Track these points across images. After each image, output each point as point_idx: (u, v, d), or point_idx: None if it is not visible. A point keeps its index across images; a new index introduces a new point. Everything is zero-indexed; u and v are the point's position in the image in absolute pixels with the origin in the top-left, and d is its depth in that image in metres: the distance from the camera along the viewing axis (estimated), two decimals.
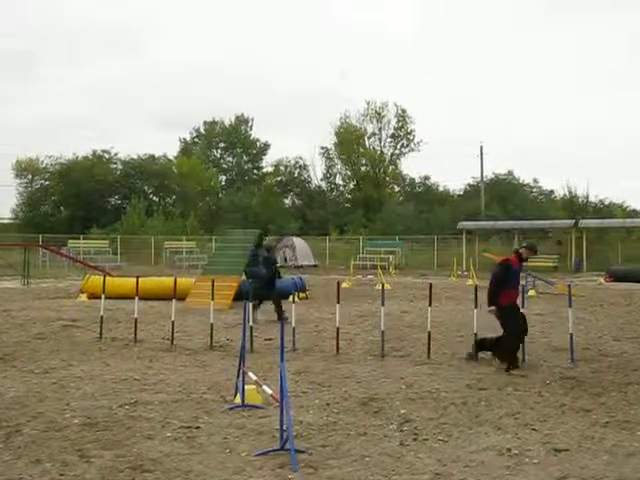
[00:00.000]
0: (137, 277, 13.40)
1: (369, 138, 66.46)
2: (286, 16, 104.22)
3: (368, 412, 7.30)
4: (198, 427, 6.67)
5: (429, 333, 10.81)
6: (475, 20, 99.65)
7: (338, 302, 11.21)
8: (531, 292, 20.61)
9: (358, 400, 7.79)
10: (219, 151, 74.43)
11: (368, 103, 65.48)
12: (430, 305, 10.90)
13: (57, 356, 10.73)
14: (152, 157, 64.84)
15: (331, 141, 66.97)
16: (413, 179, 67.88)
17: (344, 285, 23.01)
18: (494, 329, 9.98)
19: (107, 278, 15.56)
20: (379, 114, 65.53)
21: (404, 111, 65.24)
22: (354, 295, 21.46)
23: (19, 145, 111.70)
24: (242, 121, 73.72)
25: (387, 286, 21.15)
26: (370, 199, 62.93)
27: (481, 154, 57.88)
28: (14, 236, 49.35)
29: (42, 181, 63.63)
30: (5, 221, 62.96)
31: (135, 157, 63.49)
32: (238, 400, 7.51)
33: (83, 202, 57.36)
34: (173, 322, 12.18)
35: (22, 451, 5.92)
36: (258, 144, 74.02)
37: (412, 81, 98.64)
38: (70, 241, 42.74)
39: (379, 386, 8.58)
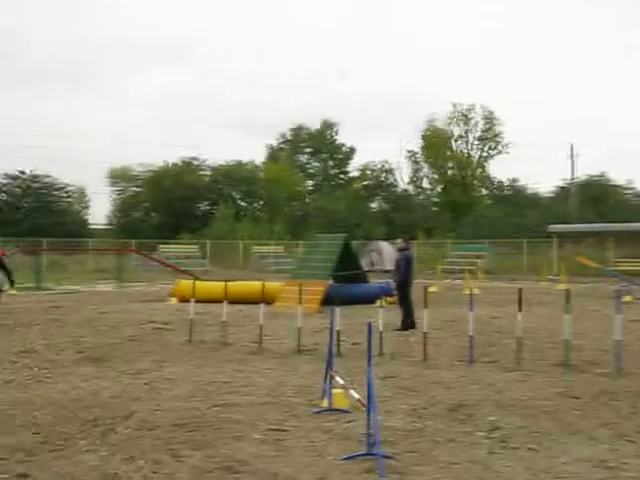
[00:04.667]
0: (226, 281, 13.63)
1: (456, 141, 65.78)
2: (371, 20, 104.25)
3: (456, 418, 7.20)
4: (285, 430, 6.72)
5: (519, 339, 10.59)
6: (563, 18, 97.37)
7: (425, 307, 11.11)
8: (627, 297, 19.93)
9: (446, 406, 7.70)
10: (305, 156, 74.95)
11: (455, 105, 64.84)
12: (520, 310, 10.67)
13: (149, 358, 11.00)
14: (240, 163, 65.84)
15: (417, 144, 66.62)
16: (501, 182, 66.76)
17: (431, 290, 22.77)
18: (585, 335, 9.71)
19: (196, 282, 15.86)
20: (466, 116, 64.79)
21: (491, 113, 64.38)
22: (441, 300, 21.25)
23: (111, 153, 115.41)
24: (328, 126, 74.06)
25: (475, 291, 20.85)
26: (457, 203, 62.21)
27: (572, 155, 56.52)
28: (108, 241, 51.04)
29: (134, 188, 65.55)
30: (100, 227, 65.19)
31: (223, 163, 64.66)
32: (325, 404, 7.53)
33: (173, 208, 58.72)
34: (261, 326, 12.31)
35: (117, 448, 6.10)
36: (344, 149, 74.18)
37: (499, 82, 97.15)
38: (161, 246, 43.87)
39: (467, 392, 8.46)
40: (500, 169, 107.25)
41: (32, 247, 35.64)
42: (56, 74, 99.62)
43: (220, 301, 13.58)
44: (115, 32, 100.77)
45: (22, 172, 57.38)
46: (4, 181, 57.36)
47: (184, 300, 18.82)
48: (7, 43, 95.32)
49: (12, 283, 17.11)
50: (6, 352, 11.40)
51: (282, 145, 75.22)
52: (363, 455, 5.81)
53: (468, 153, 65.68)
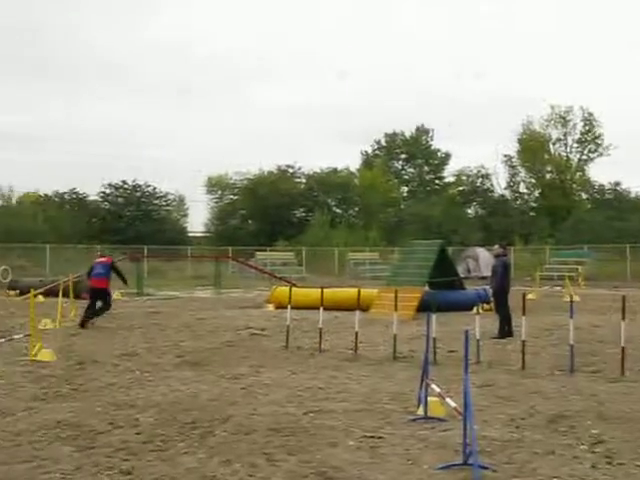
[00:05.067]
0: (321, 288, 13.69)
1: (554, 144, 64.03)
2: (470, 20, 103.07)
3: (556, 430, 6.99)
4: (381, 437, 6.69)
5: (623, 348, 10.21)
6: None
7: (524, 314, 10.86)
8: None
9: (545, 417, 7.48)
10: (400, 162, 74.65)
11: (552, 107, 63.13)
12: (623, 319, 10.29)
13: (246, 363, 11.17)
14: (334, 170, 66.16)
15: (514, 148, 65.28)
16: (602, 185, 64.41)
17: (529, 297, 22.28)
18: None
19: (293, 289, 16.01)
20: (564, 118, 63.00)
21: (591, 114, 62.29)
22: (540, 307, 20.75)
23: (209, 162, 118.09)
24: (422, 132, 73.52)
25: (576, 298, 20.26)
26: (556, 207, 60.54)
27: None
28: (206, 248, 52.18)
29: (231, 196, 66.84)
30: (198, 234, 66.77)
31: (318, 170, 65.14)
32: (421, 412, 7.46)
33: (269, 215, 59.54)
34: (357, 332, 12.31)
35: (214, 451, 6.22)
36: (439, 154, 73.51)
37: (599, 82, 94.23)
38: (257, 253, 44.50)
39: (568, 403, 8.20)
40: (601, 172, 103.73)
41: (137, 254, 36.81)
42: (159, 86, 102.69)
43: (316, 308, 13.66)
44: (215, 46, 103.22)
45: (124, 182, 59.45)
46: (107, 191, 59.58)
47: (280, 306, 19.05)
48: (120, 60, 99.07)
49: (125, 282, 18.05)
50: (109, 355, 11.81)
51: (377, 152, 75.15)
52: (459, 465, 5.72)
53: (567, 156, 63.85)
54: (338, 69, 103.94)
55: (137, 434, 6.76)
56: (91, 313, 16.26)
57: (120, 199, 59.50)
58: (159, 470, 5.69)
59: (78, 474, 5.60)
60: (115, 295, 26.32)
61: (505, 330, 14.20)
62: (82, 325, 15.86)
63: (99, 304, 16.53)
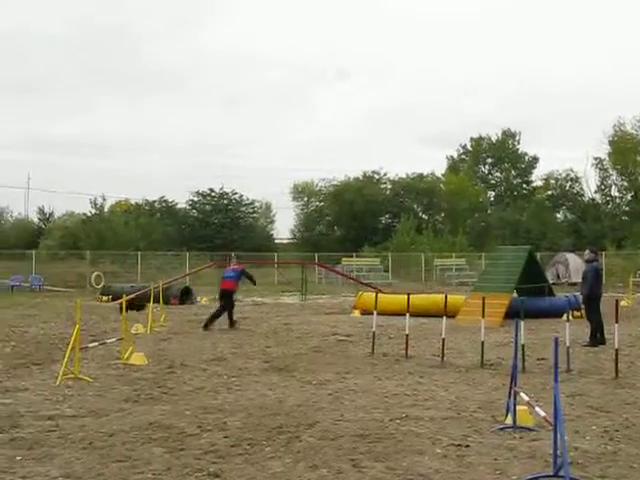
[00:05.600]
0: (408, 294, 13.62)
1: None
2: (554, 19, 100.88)
3: None
4: (468, 446, 6.60)
5: None
6: None
7: (616, 322, 10.52)
8: None
9: None
10: (487, 167, 73.61)
11: None
12: None
13: (332, 369, 11.20)
14: (420, 175, 65.78)
15: (605, 151, 63.40)
16: None
17: (623, 303, 21.60)
18: None
19: (379, 295, 15.98)
20: None
21: None
22: (634, 314, 20.08)
23: (296, 169, 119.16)
24: (509, 135, 72.30)
25: None
26: None
27: None
28: (293, 255, 52.61)
29: (317, 202, 67.29)
30: (285, 241, 67.51)
31: (404, 176, 64.89)
32: (509, 420, 7.32)
33: (355, 221, 59.69)
34: (443, 339, 12.19)
35: (301, 456, 6.26)
36: (527, 158, 72.11)
37: None
38: (344, 259, 44.60)
39: None
40: None
41: (224, 261, 37.45)
42: (241, 97, 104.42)
43: (402, 314, 13.59)
44: (291, 53, 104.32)
45: (212, 190, 60.66)
46: (196, 199, 60.89)
47: (366, 312, 19.03)
48: (209, 69, 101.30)
49: (254, 283, 19.14)
50: (198, 360, 12.04)
51: (463, 156, 74.35)
52: (549, 477, 5.57)
53: None
54: (420, 73, 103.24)
55: (225, 437, 6.87)
56: (215, 315, 17.38)
57: (208, 207, 60.73)
58: (246, 473, 5.76)
59: (168, 475, 5.73)
60: (202, 301, 26.97)
61: (597, 338, 13.78)
62: (205, 326, 16.88)
63: (222, 304, 17.58)
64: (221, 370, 11.05)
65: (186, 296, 26.52)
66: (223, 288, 17.78)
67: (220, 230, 57.02)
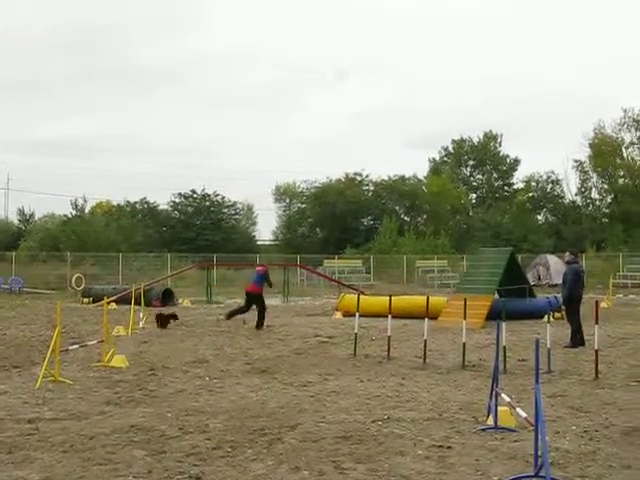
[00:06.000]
0: (390, 296, 13.64)
1: (627, 148, 62.41)
2: (534, 21, 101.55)
3: (632, 443, 6.76)
4: (449, 447, 6.61)
5: None
6: None
7: (596, 323, 10.59)
8: None
9: (621, 429, 7.27)
10: (468, 169, 73.91)
11: (625, 111, 61.53)
12: None
13: (314, 370, 11.20)
14: (402, 177, 65.95)
15: (585, 153, 63.83)
16: None
17: (603, 305, 21.78)
18: None
19: (361, 296, 16.00)
20: (638, 122, 61.25)
21: None
22: (614, 316, 20.23)
23: (277, 171, 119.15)
24: (490, 137, 72.61)
25: None
26: (630, 213, 58.94)
27: None
28: (274, 256, 52.57)
29: (299, 204, 67.30)
30: (267, 243, 67.45)
31: (386, 178, 65.00)
32: (490, 421, 7.35)
33: (337, 223, 59.72)
34: (425, 340, 12.22)
35: (283, 458, 6.25)
36: (508, 160, 72.46)
37: None
38: (325, 261, 44.62)
39: None
40: None
41: (206, 262, 37.40)
42: (225, 97, 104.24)
43: (384, 315, 13.62)
44: (279, 55, 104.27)
45: (194, 191, 60.49)
46: (178, 200, 60.70)
47: (348, 314, 19.06)
48: (192, 70, 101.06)
49: (270, 285, 19.25)
50: (179, 362, 12.00)
51: (445, 158, 74.60)
52: (530, 477, 5.60)
53: None
54: (402, 74, 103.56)
55: (207, 440, 6.84)
56: (238, 311, 18.52)
57: (190, 208, 60.56)
58: (228, 476, 5.75)
59: (149, 477, 5.70)
60: (184, 302, 26.90)
61: (577, 339, 13.86)
62: (257, 327, 17.54)
63: (257, 308, 17.99)
64: (202, 372, 11.02)
65: (168, 298, 26.42)
66: (246, 291, 18.51)
67: (202, 232, 56.87)
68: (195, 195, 60.60)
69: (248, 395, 9.17)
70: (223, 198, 61.62)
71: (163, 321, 17.64)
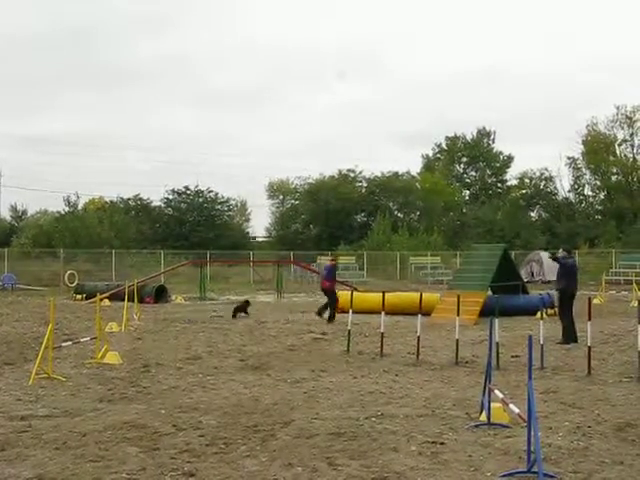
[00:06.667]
0: (383, 292, 13.65)
1: (620, 145, 62.54)
2: (523, 19, 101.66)
3: (625, 439, 6.80)
4: (443, 443, 6.63)
5: None
6: None
7: (589, 319, 10.63)
8: None
9: (613, 425, 7.30)
10: (462, 166, 74.02)
11: (618, 108, 61.64)
12: None
13: (307, 367, 11.20)
14: (396, 174, 65.96)
15: (578, 150, 63.97)
16: None
17: (595, 301, 21.82)
18: None
19: (354, 293, 15.99)
20: (630, 119, 61.41)
21: None
22: (606, 312, 20.29)
23: (271, 167, 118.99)
24: (484, 134, 72.74)
25: None
26: (623, 210, 59.13)
27: None
28: (268, 253, 52.55)
29: (292, 201, 67.27)
30: (260, 239, 67.42)
31: (379, 175, 65.01)
32: (484, 418, 7.37)
33: (331, 220, 59.70)
34: (419, 337, 12.24)
35: (276, 454, 6.25)
36: (501, 157, 72.60)
37: None
38: (319, 257, 44.60)
39: (636, 411, 7.98)
40: None
41: (199, 259, 37.35)
42: (217, 93, 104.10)
43: (377, 312, 13.62)
44: (273, 51, 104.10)
45: (187, 188, 60.37)
46: (171, 197, 60.58)
47: (342, 311, 19.07)
48: (185, 67, 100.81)
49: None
50: (173, 358, 11.99)
51: (438, 155, 74.68)
52: (523, 473, 5.62)
53: (633, 157, 62.24)
54: (397, 71, 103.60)
55: (200, 436, 6.84)
56: (328, 311, 18.60)
57: (183, 205, 60.41)
58: (222, 472, 5.75)
59: (143, 474, 5.70)
60: (178, 299, 26.87)
61: (570, 335, 13.88)
62: (326, 319, 18.29)
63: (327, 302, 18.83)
64: (196, 369, 11.01)
65: (161, 294, 26.37)
66: (321, 287, 19.61)
67: (195, 228, 56.75)
68: (188, 191, 60.45)
69: (241, 392, 9.17)
70: (217, 194, 61.56)
71: (240, 310, 19.29)
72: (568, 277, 14.38)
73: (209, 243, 49.62)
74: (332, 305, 18.58)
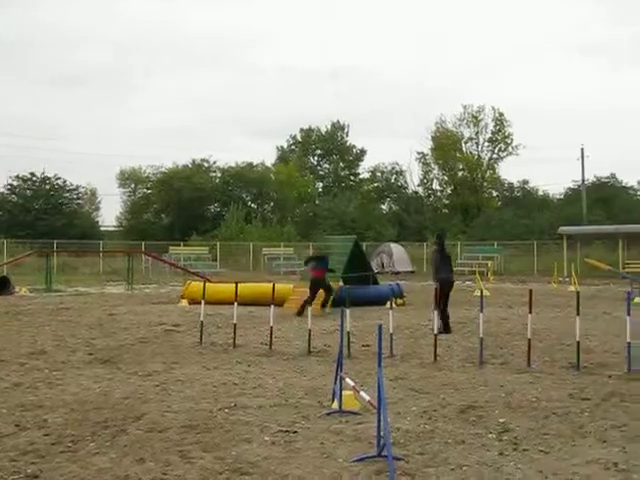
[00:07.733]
0: (236, 283, 13.62)
1: (466, 142, 65.60)
2: (384, 17, 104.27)
3: (466, 420, 7.17)
4: (296, 432, 6.71)
5: (529, 340, 10.54)
6: (568, 18, 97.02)
7: (435, 309, 11.07)
8: (637, 299, 19.73)
9: (456, 408, 7.67)
10: (316, 158, 75.04)
11: (465, 107, 64.66)
12: (530, 312, 10.63)
13: (159, 359, 11.01)
14: (250, 165, 65.96)
15: (427, 146, 66.52)
16: (511, 184, 66.48)
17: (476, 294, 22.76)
18: (595, 337, 9.63)
19: (207, 284, 15.87)
20: (476, 118, 64.56)
21: (501, 114, 64.12)
22: (452, 302, 21.10)
23: (123, 155, 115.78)
24: (338, 128, 74.08)
25: (486, 293, 20.77)
26: (468, 204, 62.10)
27: (582, 157, 55.99)
28: (118, 243, 51.22)
29: (144, 190, 65.82)
30: (110, 229, 65.53)
31: (233, 165, 64.77)
32: (335, 406, 7.52)
33: (183, 210, 58.90)
34: (271, 327, 12.30)
35: (127, 450, 6.11)
36: (354, 150, 74.20)
37: (509, 83, 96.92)
38: (171, 248, 43.95)
39: (477, 394, 8.42)
40: (510, 171, 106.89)
41: (45, 249, 35.79)
42: (63, 76, 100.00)
43: (230, 303, 13.58)
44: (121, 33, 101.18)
45: (32, 174, 57.66)
46: (15, 183, 57.68)
47: (194, 302, 18.87)
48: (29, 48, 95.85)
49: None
50: (15, 354, 11.43)
51: (292, 147, 75.31)
52: (373, 457, 5.79)
53: (478, 155, 65.49)
54: (253, 63, 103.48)
55: (45, 435, 6.56)
56: (310, 301, 16.55)
57: (28, 192, 57.66)
58: (69, 472, 5.54)
59: None
60: (22, 291, 25.64)
61: (445, 323, 14.22)
62: (299, 314, 16.89)
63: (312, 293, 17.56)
64: (41, 364, 10.55)
65: (3, 286, 25.07)
66: (312, 277, 18.35)
67: (41, 216, 54.30)
68: (34, 178, 57.71)
69: (91, 386, 8.88)
70: (65, 182, 59.13)
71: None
72: (447, 267, 14.98)
73: (56, 232, 47.61)
74: (329, 292, 18.17)
